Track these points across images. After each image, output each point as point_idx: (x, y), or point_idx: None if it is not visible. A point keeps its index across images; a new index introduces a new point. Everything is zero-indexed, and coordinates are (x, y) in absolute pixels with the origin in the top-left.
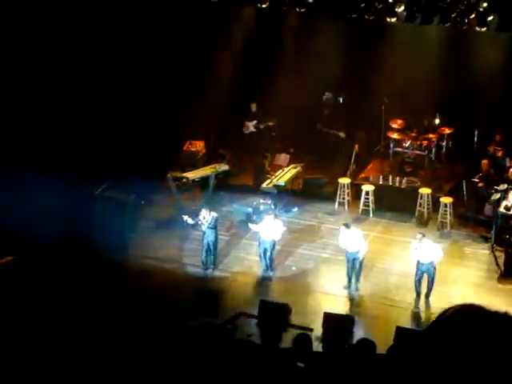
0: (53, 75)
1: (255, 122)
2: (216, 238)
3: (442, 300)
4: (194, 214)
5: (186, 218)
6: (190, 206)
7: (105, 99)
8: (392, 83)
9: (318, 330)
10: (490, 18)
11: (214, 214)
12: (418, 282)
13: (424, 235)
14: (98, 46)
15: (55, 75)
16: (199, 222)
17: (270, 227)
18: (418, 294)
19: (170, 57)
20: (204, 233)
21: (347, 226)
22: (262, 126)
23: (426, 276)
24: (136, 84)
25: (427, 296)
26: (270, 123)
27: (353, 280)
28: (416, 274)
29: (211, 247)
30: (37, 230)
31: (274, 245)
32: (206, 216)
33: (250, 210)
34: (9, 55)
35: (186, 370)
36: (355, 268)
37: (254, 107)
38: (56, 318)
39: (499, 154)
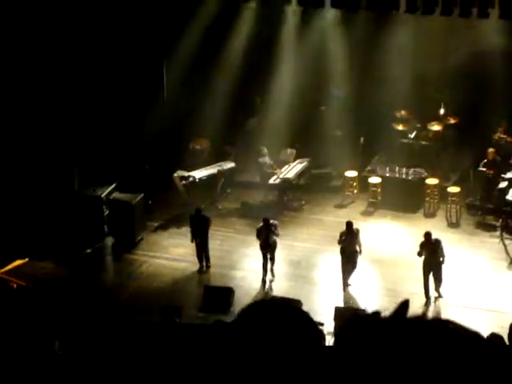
0: (47, 73)
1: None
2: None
3: (452, 291)
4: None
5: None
6: (197, 204)
7: (109, 96)
8: (395, 74)
9: (329, 325)
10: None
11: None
12: (427, 279)
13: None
14: (90, 40)
15: (49, 73)
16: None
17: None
18: (427, 290)
19: (173, 51)
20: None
21: (349, 225)
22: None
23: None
24: (140, 81)
25: (437, 290)
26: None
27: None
28: (424, 272)
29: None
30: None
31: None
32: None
33: None
34: None
35: (198, 369)
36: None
37: (257, 102)
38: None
39: (508, 140)
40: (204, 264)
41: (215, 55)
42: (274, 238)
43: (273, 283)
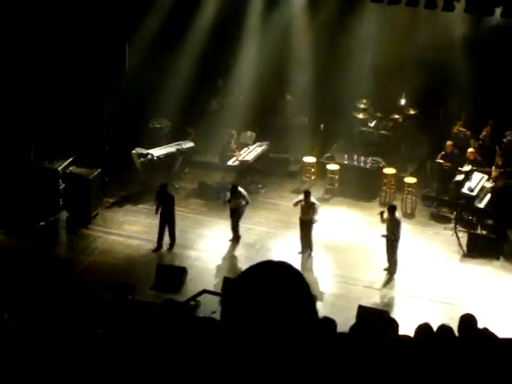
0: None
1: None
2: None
3: (404, 281)
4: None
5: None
6: (155, 182)
7: (70, 71)
8: (357, 63)
9: None
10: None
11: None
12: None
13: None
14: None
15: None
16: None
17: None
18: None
19: (136, 30)
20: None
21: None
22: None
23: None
24: (102, 58)
25: (389, 272)
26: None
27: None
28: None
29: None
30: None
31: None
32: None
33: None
34: None
35: (148, 347)
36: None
37: (220, 83)
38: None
39: (467, 133)
40: (169, 243)
41: (179, 34)
42: (243, 203)
43: (226, 264)
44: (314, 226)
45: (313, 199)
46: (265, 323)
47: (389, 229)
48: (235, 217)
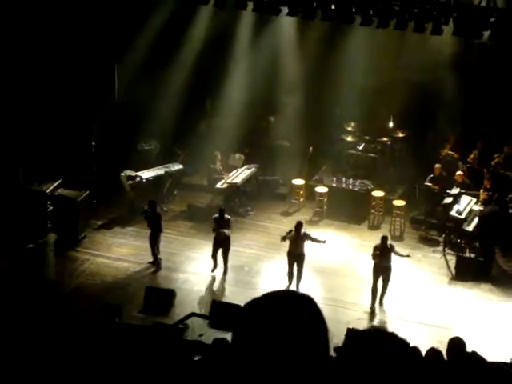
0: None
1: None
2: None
3: (393, 304)
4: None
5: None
6: (143, 204)
7: (59, 93)
8: (346, 86)
9: None
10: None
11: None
12: (375, 282)
13: (386, 238)
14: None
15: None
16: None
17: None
18: (374, 296)
19: (126, 51)
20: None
21: (298, 226)
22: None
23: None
24: (91, 80)
25: (381, 299)
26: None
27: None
28: (373, 275)
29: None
30: None
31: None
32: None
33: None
34: None
35: (136, 369)
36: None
37: (208, 104)
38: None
39: (455, 156)
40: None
41: (168, 57)
42: (227, 232)
43: (214, 287)
44: (313, 266)
45: (304, 231)
46: (279, 353)
47: (388, 258)
48: (225, 247)
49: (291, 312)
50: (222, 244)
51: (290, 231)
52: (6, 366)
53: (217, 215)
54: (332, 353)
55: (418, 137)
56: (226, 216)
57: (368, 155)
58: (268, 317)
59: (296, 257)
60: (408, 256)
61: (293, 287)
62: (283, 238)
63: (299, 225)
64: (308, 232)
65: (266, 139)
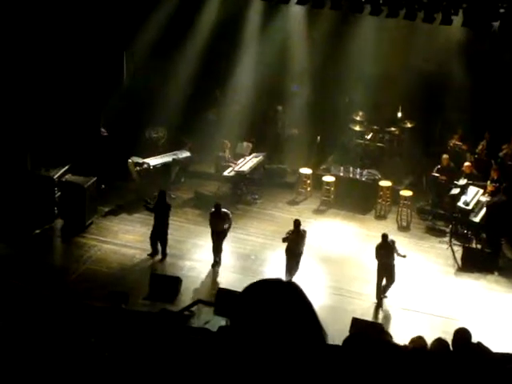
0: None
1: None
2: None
3: (399, 294)
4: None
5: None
6: (151, 191)
7: (68, 79)
8: (356, 76)
9: None
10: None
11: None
12: (380, 280)
13: (386, 235)
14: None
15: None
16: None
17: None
18: (379, 291)
19: (135, 39)
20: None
21: (295, 223)
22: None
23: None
24: (100, 67)
25: (384, 290)
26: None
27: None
28: (378, 273)
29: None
30: None
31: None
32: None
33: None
34: None
35: (142, 356)
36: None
37: (217, 93)
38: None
39: (463, 147)
40: (159, 251)
41: (177, 44)
42: (225, 226)
43: (220, 274)
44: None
45: (302, 228)
46: (271, 333)
47: (390, 254)
48: (218, 238)
49: (278, 297)
50: (217, 234)
51: (290, 231)
52: (12, 353)
53: (213, 209)
54: (333, 341)
55: (425, 127)
56: (223, 210)
57: (376, 145)
58: (258, 303)
59: (295, 255)
60: (404, 256)
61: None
62: (284, 239)
63: (297, 223)
64: (306, 234)
65: (273, 128)
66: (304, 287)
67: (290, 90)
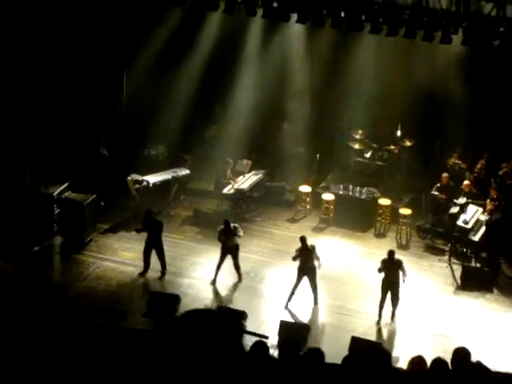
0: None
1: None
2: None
3: (399, 312)
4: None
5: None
6: (150, 208)
7: (68, 96)
8: (356, 94)
9: (273, 338)
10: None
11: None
12: (384, 297)
13: (393, 252)
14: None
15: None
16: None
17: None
18: (381, 310)
19: (135, 56)
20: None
21: (302, 239)
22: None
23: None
24: (101, 84)
25: (392, 314)
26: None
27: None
28: (382, 290)
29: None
30: None
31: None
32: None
33: None
34: None
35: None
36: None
37: (218, 110)
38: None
39: (462, 165)
40: (160, 271)
41: (177, 62)
42: (237, 240)
43: (219, 292)
44: (318, 273)
45: (310, 243)
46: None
47: (395, 272)
48: (233, 256)
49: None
50: (230, 251)
51: (299, 248)
52: (11, 369)
53: (222, 227)
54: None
55: (425, 146)
56: (233, 225)
57: (375, 163)
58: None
59: (307, 271)
60: (403, 281)
61: (294, 301)
62: (294, 258)
63: (304, 239)
64: (316, 250)
65: (278, 145)
66: (304, 305)
67: (290, 108)
